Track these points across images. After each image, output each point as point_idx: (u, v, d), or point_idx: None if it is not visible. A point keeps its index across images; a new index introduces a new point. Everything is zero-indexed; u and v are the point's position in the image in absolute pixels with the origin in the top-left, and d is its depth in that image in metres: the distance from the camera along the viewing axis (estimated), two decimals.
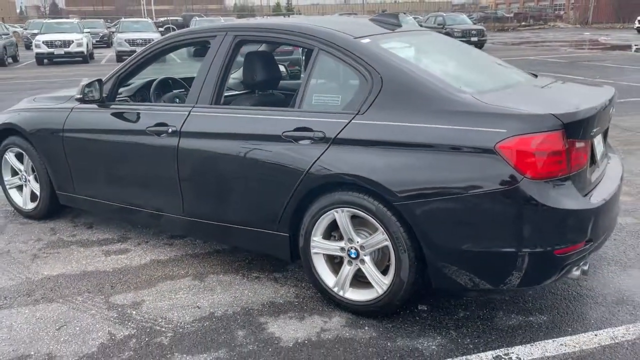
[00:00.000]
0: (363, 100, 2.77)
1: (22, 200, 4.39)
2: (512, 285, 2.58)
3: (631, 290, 3.12)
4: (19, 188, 4.43)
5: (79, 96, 3.64)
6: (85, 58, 20.15)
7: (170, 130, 3.30)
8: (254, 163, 3.02)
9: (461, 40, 18.90)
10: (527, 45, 26.03)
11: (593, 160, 2.83)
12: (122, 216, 3.89)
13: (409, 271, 2.67)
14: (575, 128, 2.50)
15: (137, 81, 4.12)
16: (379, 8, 75.28)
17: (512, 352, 2.57)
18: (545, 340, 2.66)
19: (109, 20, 48.68)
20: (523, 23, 52.86)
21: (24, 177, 4.33)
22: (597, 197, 2.66)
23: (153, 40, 17.57)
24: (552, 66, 15.84)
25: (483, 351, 2.58)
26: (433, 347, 2.63)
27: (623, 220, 4.14)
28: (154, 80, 4.14)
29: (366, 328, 2.79)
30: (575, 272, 2.66)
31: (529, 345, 2.63)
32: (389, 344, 2.66)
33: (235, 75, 4.27)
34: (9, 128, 4.23)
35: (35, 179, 4.25)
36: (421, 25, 25.20)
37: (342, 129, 2.77)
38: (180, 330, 2.80)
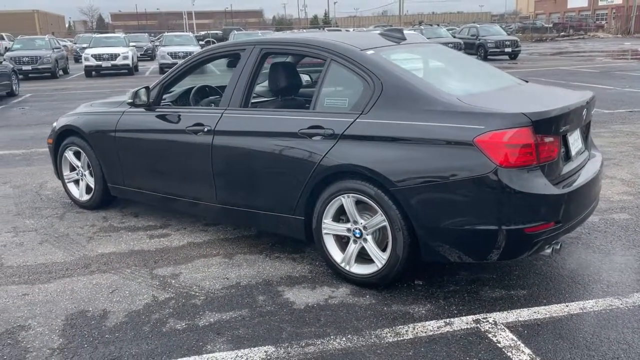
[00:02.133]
0: (366, 102, 3.27)
1: (78, 192, 5.04)
2: (492, 260, 3.02)
3: (608, 272, 3.51)
4: (76, 182, 5.08)
5: (129, 100, 4.26)
6: (131, 70, 21.28)
7: (205, 129, 3.86)
8: (275, 156, 3.55)
9: (495, 51, 19.22)
10: (563, 56, 26.00)
11: (568, 154, 3.26)
12: (165, 205, 4.47)
13: (403, 248, 3.14)
14: (544, 125, 2.94)
15: (178, 89, 4.72)
16: (416, 20, 75.58)
17: (490, 317, 3.00)
18: (521, 309, 3.08)
19: (152, 34, 50.52)
20: (562, 33, 52.32)
21: (80, 172, 4.98)
22: (566, 186, 3.08)
23: (193, 53, 18.32)
24: (582, 76, 15.97)
25: (465, 315, 3.03)
26: (422, 311, 3.09)
27: (618, 216, 4.50)
28: (193, 87, 4.74)
29: (367, 296, 3.27)
30: (547, 250, 3.09)
31: (505, 312, 3.05)
32: (385, 308, 3.13)
33: (264, 84, 4.83)
34: (69, 129, 4.90)
35: (91, 174, 4.88)
36: (454, 36, 25.50)
37: (348, 126, 3.27)
38: (211, 295, 3.33)
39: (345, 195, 3.30)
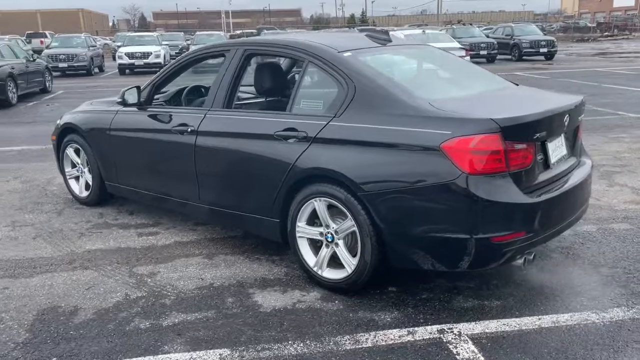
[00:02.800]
0: (340, 105, 3.23)
1: (78, 188, 5.15)
2: (463, 268, 2.94)
3: (592, 285, 3.37)
4: (77, 178, 5.19)
5: (119, 100, 4.32)
6: (160, 68, 21.67)
7: (189, 129, 3.89)
8: (252, 158, 3.54)
9: (529, 52, 18.84)
10: (602, 57, 25.17)
11: (546, 162, 3.14)
12: (158, 204, 4.52)
13: (371, 254, 3.09)
14: (514, 131, 2.84)
15: (172, 88, 4.77)
16: (455, 19, 74.46)
17: (456, 327, 2.92)
18: (490, 320, 2.99)
19: (191, 33, 51.15)
20: (606, 33, 50.67)
21: (80, 169, 5.09)
22: (540, 195, 2.97)
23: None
24: (617, 78, 15.43)
25: (430, 325, 2.95)
26: (388, 319, 3.03)
27: (618, 226, 4.32)
28: (186, 87, 4.78)
29: (336, 302, 3.23)
30: (519, 260, 2.98)
31: (473, 323, 2.97)
32: (351, 314, 3.08)
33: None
34: (70, 127, 5.01)
35: (89, 171, 4.98)
36: (488, 36, 25.01)
37: (321, 129, 3.23)
38: (182, 295, 3.35)
39: (317, 198, 3.26)
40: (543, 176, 3.11)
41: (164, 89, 4.65)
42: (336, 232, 3.24)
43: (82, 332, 2.95)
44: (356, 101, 3.18)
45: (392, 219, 2.99)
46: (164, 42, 23.61)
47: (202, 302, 3.26)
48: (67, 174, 5.24)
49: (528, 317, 3.01)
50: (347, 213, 3.14)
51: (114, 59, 26.57)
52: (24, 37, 33.45)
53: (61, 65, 20.81)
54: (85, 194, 5.09)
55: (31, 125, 10.11)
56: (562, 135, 3.32)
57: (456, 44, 15.20)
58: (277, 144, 3.41)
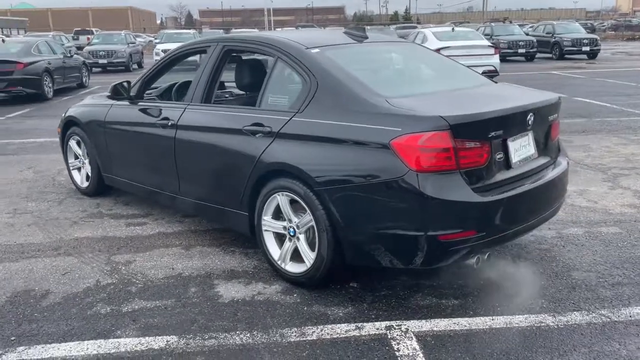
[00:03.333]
0: (303, 101, 3.26)
1: (80, 179, 5.36)
2: (415, 266, 2.93)
3: (559, 288, 3.29)
4: (79, 170, 5.39)
5: (108, 94, 4.48)
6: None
7: (170, 123, 3.99)
8: (223, 152, 3.62)
9: (571, 50, 18.23)
10: None
11: (507, 161, 3.08)
12: (151, 197, 4.65)
13: (327, 249, 3.11)
14: (466, 129, 2.82)
15: (165, 84, 4.89)
16: (501, 16, 72.84)
17: (405, 324, 2.92)
18: (442, 319, 2.97)
19: (227, 30, 51.74)
20: None
21: (81, 160, 5.29)
22: (494, 195, 2.93)
23: None
24: None
25: (381, 321, 2.96)
26: (340, 314, 3.05)
27: (607, 229, 4.20)
28: (177, 82, 4.89)
29: (295, 295, 3.27)
30: (471, 260, 2.95)
31: (424, 320, 2.96)
32: (305, 308, 3.12)
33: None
34: (72, 120, 5.21)
35: (90, 162, 5.17)
36: (527, 34, 24.40)
37: (284, 125, 3.28)
38: (150, 283, 3.46)
39: (280, 193, 3.31)
40: (502, 175, 3.06)
41: (156, 84, 4.78)
42: (297, 226, 3.28)
43: (46, 315, 3.10)
44: (317, 97, 3.21)
45: (345, 215, 3.01)
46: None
47: (166, 290, 3.36)
48: (70, 165, 5.45)
49: (481, 317, 2.98)
50: (306, 208, 3.17)
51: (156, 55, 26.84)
52: (72, 34, 34.64)
53: (101, 61, 21.49)
54: (85, 184, 5.29)
55: (59, 118, 10.51)
56: (530, 134, 3.26)
57: (484, 42, 14.91)
58: (245, 139, 3.47)
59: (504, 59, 20.52)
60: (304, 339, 2.81)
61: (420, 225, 2.81)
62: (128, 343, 2.80)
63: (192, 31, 27.00)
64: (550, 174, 3.35)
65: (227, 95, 4.74)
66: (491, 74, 12.64)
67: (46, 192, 5.52)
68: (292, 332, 2.87)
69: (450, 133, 2.78)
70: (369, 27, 21.96)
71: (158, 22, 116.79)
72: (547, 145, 3.46)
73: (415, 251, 2.86)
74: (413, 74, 3.77)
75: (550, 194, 3.33)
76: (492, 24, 28.30)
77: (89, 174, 5.19)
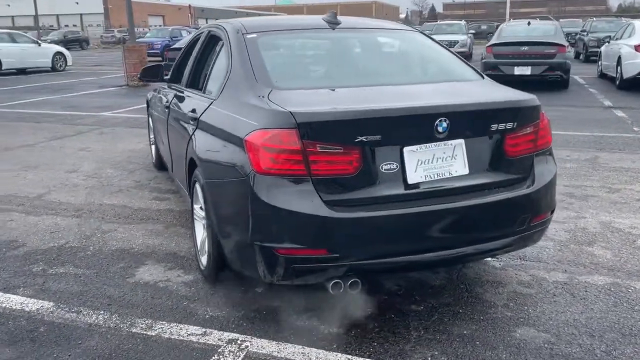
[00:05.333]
0: (220, 88, 3.12)
1: (152, 154, 5.92)
2: (267, 280, 2.59)
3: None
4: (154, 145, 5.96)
5: (138, 76, 4.82)
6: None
7: (165, 106, 4.17)
8: (179, 137, 3.66)
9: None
10: None
11: (404, 175, 2.51)
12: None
13: (212, 245, 2.95)
14: (319, 130, 2.38)
15: None
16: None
17: (250, 342, 2.61)
18: (294, 345, 2.58)
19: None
20: None
21: (152, 139, 5.83)
22: (363, 211, 2.42)
23: (456, 42, 17.98)
24: None
25: (231, 332, 2.70)
26: (207, 316, 2.86)
27: (556, 278, 3.12)
28: None
29: (192, 289, 3.16)
30: (328, 283, 2.50)
31: (275, 342, 2.61)
32: (185, 303, 3.00)
33: None
34: (147, 100, 5.77)
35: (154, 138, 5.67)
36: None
37: (203, 112, 3.17)
38: (97, 252, 3.69)
39: (196, 182, 3.23)
40: (392, 190, 2.50)
41: None
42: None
43: None
44: (227, 84, 3.04)
45: (214, 212, 2.82)
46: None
47: (99, 262, 3.54)
48: (150, 140, 6.05)
49: (334, 353, 2.51)
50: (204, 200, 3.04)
51: None
52: None
53: None
54: (153, 160, 5.82)
55: None
56: (455, 145, 2.58)
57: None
58: (188, 125, 3.45)
59: None
60: (143, 332, 2.72)
61: (259, 233, 2.48)
62: (13, 300, 3.05)
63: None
64: (489, 198, 2.62)
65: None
66: None
67: (135, 162, 6.20)
68: (141, 324, 2.79)
69: (298, 132, 2.37)
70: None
71: (402, 16, 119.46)
72: (498, 163, 2.70)
73: (258, 263, 2.54)
74: (355, 66, 3.26)
75: (477, 223, 2.61)
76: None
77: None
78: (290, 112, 2.40)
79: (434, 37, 16.31)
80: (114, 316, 2.87)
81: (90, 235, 3.99)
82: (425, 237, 2.53)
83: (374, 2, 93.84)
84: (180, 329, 2.75)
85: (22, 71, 19.23)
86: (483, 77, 3.21)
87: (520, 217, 2.70)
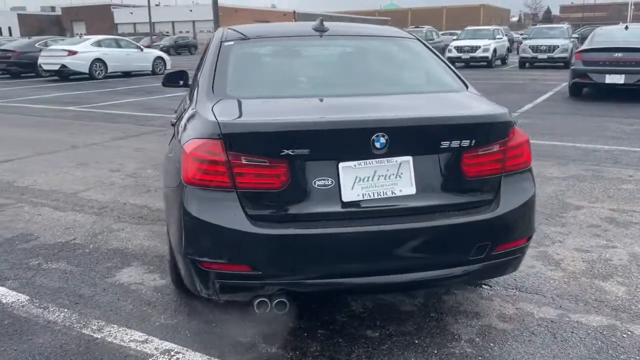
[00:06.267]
0: (193, 96, 3.10)
1: None
2: (203, 294, 2.54)
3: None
4: None
5: (162, 82, 4.95)
6: (489, 63, 21.08)
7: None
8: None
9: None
10: None
11: (339, 191, 2.35)
12: None
13: (169, 254, 2.95)
14: (244, 141, 2.30)
15: None
16: None
17: (183, 354, 2.58)
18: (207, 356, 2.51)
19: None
20: None
21: None
22: (282, 229, 2.30)
23: (556, 46, 16.89)
24: None
25: (170, 342, 2.67)
26: (157, 323, 2.87)
27: (585, 319, 2.71)
28: None
29: (159, 295, 3.18)
30: (254, 301, 2.40)
31: (207, 357, 2.55)
32: (144, 308, 3.03)
33: None
34: None
35: None
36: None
37: (177, 120, 3.19)
38: (94, 252, 3.83)
39: None
40: (325, 207, 2.35)
41: None
42: None
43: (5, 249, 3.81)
44: (195, 93, 3.01)
45: (166, 222, 2.84)
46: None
47: (90, 260, 3.67)
48: None
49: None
50: None
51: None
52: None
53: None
54: None
55: None
56: (402, 163, 2.37)
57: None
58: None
59: None
60: (93, 334, 2.77)
61: (185, 244, 2.43)
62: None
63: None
64: (438, 222, 2.39)
65: None
66: None
67: None
68: (95, 324, 2.85)
69: (222, 143, 2.30)
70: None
71: (514, 19, 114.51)
72: (453, 184, 2.45)
73: (193, 277, 2.49)
74: (323, 75, 3.11)
75: (422, 248, 2.37)
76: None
77: None
78: (217, 122, 2.34)
79: (530, 41, 15.25)
80: (74, 315, 2.95)
81: (98, 234, 4.16)
82: (360, 260, 2.36)
83: (482, 6, 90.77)
84: (126, 334, 2.77)
85: (126, 74, 20.68)
86: (467, 88, 2.94)
87: (476, 244, 2.43)
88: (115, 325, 2.84)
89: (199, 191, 2.37)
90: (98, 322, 2.88)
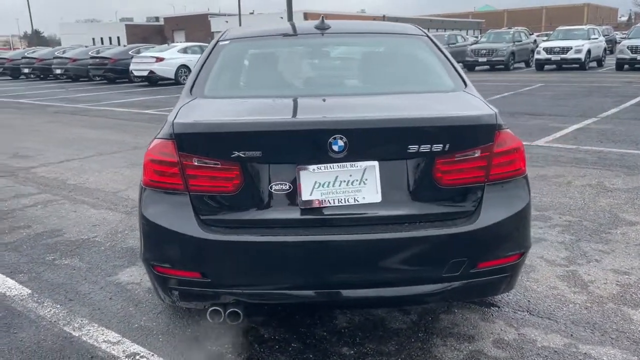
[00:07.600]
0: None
1: None
2: (167, 302, 2.48)
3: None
4: None
5: None
6: (583, 65, 19.68)
7: None
8: None
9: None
10: None
11: (294, 196, 2.19)
12: None
13: None
14: (196, 142, 2.21)
15: None
16: None
17: (150, 357, 2.52)
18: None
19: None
20: None
21: None
22: (233, 235, 2.19)
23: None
24: None
25: (143, 347, 2.63)
26: (136, 325, 2.84)
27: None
28: None
29: (150, 296, 3.16)
30: (209, 309, 2.30)
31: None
32: (131, 309, 3.02)
33: None
34: None
35: None
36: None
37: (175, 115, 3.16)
38: (109, 248, 3.91)
39: None
40: (283, 214, 2.20)
41: None
42: None
43: (16, 245, 3.97)
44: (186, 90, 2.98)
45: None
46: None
47: (100, 258, 3.74)
48: None
49: None
50: None
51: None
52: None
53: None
54: None
55: None
56: (365, 167, 2.17)
57: None
58: None
59: None
60: (72, 332, 2.79)
61: (143, 248, 2.38)
62: (6, 284, 3.36)
63: (586, 27, 22.87)
64: (405, 234, 2.16)
65: None
66: None
67: None
68: (78, 322, 2.88)
69: (174, 144, 2.22)
70: None
71: (624, 18, 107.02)
72: (426, 192, 2.21)
73: (151, 282, 2.44)
74: (310, 74, 2.93)
75: (386, 262, 2.15)
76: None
77: None
78: (173, 122, 2.26)
79: (629, 41, 14.32)
80: (63, 312, 3.00)
81: (119, 232, 4.25)
82: (318, 272, 2.18)
83: (586, 5, 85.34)
84: (102, 334, 2.76)
85: None
86: (465, 87, 2.66)
87: (450, 260, 2.17)
88: (95, 325, 2.85)
89: (154, 194, 2.31)
90: (82, 320, 2.90)
